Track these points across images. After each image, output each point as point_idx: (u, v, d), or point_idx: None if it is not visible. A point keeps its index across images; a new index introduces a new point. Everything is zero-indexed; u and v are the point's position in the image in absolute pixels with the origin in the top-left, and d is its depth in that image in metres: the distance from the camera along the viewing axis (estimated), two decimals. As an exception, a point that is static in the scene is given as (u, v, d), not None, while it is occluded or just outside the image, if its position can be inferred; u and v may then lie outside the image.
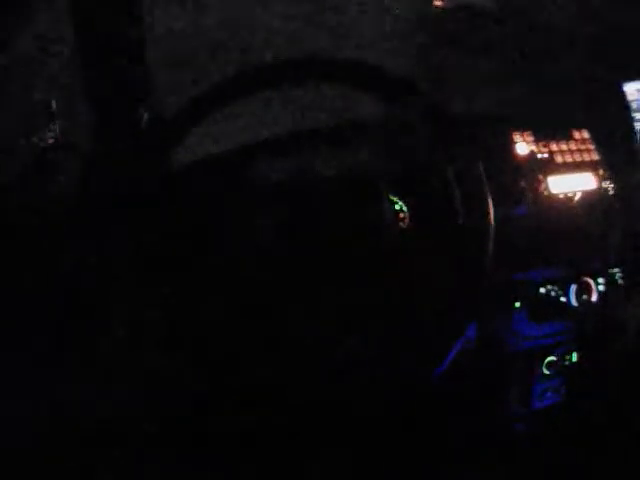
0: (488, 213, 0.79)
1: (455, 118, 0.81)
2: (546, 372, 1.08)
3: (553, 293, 1.03)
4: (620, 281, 1.08)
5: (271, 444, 0.91)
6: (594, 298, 1.04)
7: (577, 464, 1.08)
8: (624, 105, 1.18)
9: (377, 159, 0.97)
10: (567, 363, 1.10)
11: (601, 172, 1.09)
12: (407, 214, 0.92)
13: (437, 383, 0.83)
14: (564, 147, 1.08)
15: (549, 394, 1.10)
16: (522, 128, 1.07)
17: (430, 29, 1.43)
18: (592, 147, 1.10)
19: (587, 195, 1.06)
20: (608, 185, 1.09)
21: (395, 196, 0.92)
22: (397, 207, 0.92)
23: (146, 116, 0.91)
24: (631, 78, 1.17)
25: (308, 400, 0.80)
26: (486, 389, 1.08)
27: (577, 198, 1.05)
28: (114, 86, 0.88)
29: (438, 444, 1.06)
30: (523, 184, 1.03)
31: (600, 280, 1.06)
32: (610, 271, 1.08)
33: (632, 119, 1.18)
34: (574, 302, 1.03)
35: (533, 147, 1.06)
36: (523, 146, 1.06)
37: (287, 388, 0.79)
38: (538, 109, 1.18)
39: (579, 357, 1.11)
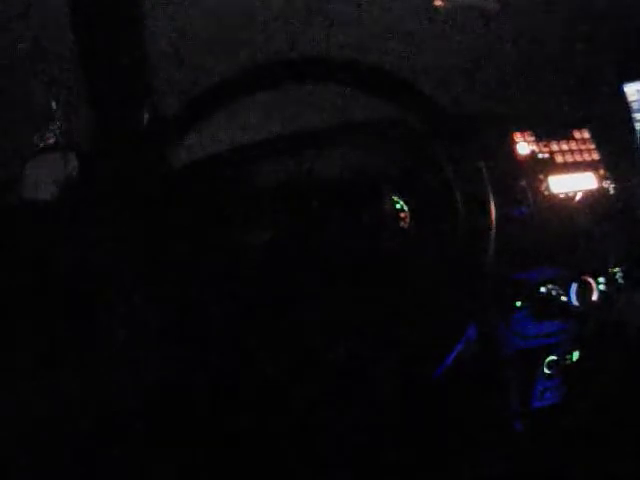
0: (489, 213, 0.79)
1: (455, 118, 0.81)
2: (547, 371, 1.08)
3: (554, 292, 1.03)
4: (621, 280, 1.08)
5: (271, 444, 0.91)
6: (595, 297, 1.04)
7: (577, 464, 1.08)
8: (624, 105, 1.18)
9: (377, 159, 0.97)
10: (568, 362, 1.10)
11: (602, 172, 1.09)
12: (408, 214, 0.92)
13: (438, 383, 0.83)
14: (565, 147, 1.08)
15: (549, 394, 1.10)
16: (523, 128, 1.07)
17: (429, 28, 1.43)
18: (593, 147, 1.10)
19: (588, 195, 1.06)
20: (609, 185, 1.09)
21: (396, 196, 0.92)
22: (398, 207, 0.92)
23: (146, 116, 0.90)
24: (631, 78, 1.17)
25: (308, 400, 0.80)
26: (486, 388, 1.08)
27: (578, 198, 1.05)
28: (114, 86, 0.88)
29: (438, 443, 1.06)
30: (524, 184, 1.03)
31: (601, 279, 1.06)
32: (611, 270, 1.08)
33: (632, 119, 1.18)
34: (575, 301, 1.03)
35: (534, 147, 1.06)
36: (524, 146, 1.06)
37: (288, 389, 0.79)
38: (539, 109, 1.18)
39: (580, 356, 1.11)
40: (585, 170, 1.08)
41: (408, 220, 0.92)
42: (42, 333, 0.82)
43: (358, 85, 0.80)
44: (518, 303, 1.03)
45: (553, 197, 1.04)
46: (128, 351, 0.81)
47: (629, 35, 1.21)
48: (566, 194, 1.05)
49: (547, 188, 1.04)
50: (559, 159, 1.07)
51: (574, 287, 1.03)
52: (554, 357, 1.08)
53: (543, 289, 1.03)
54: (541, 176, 1.04)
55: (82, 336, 0.83)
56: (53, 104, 0.97)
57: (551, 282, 1.03)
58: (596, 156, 1.10)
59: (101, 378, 0.83)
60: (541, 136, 1.07)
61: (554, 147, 1.07)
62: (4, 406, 0.82)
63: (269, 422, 0.85)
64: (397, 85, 0.79)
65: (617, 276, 1.08)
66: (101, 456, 0.85)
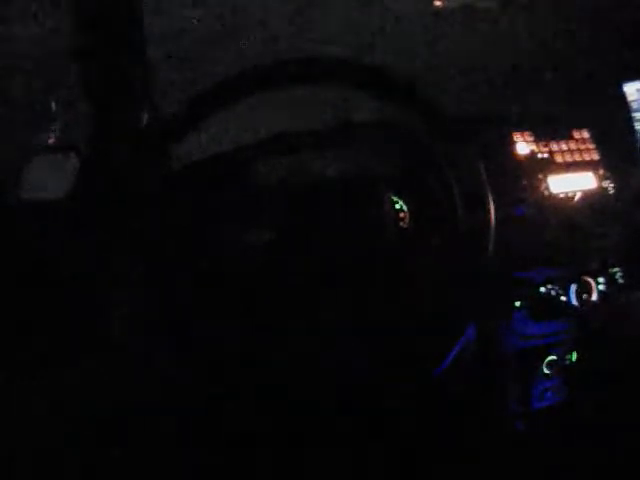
0: (489, 213, 0.79)
1: (455, 118, 0.81)
2: (546, 372, 1.08)
3: (553, 292, 1.03)
4: (620, 280, 1.09)
5: (272, 444, 0.91)
6: (594, 297, 1.04)
7: (577, 464, 1.08)
8: (624, 105, 1.18)
9: (377, 159, 0.97)
10: (567, 363, 1.10)
11: (601, 172, 1.09)
12: (407, 214, 0.92)
13: (437, 383, 0.83)
14: (564, 147, 1.08)
15: (549, 394, 1.10)
16: (522, 128, 1.07)
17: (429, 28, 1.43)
18: (592, 147, 1.10)
19: (587, 195, 1.06)
20: (608, 185, 1.09)
21: (395, 196, 0.92)
22: (397, 207, 0.92)
23: (146, 116, 0.91)
24: (631, 78, 1.17)
25: (309, 400, 0.80)
26: (486, 388, 1.08)
27: (577, 198, 1.05)
28: (114, 86, 0.88)
29: (438, 443, 1.06)
30: (523, 184, 1.03)
31: (600, 279, 1.06)
32: (610, 270, 1.08)
33: (632, 119, 1.18)
34: (574, 301, 1.03)
35: (533, 147, 1.06)
36: (523, 146, 1.06)
37: (288, 388, 0.79)
38: (539, 109, 1.18)
39: (579, 357, 1.11)
40: (585, 170, 1.08)
41: (408, 220, 0.92)
42: (42, 333, 0.82)
43: (358, 85, 0.80)
44: (518, 303, 1.03)
45: (553, 197, 1.04)
46: (128, 351, 0.82)
47: (629, 35, 1.21)
48: (566, 194, 1.05)
49: (547, 188, 1.04)
50: (559, 159, 1.07)
51: (574, 287, 1.03)
52: (554, 357, 1.08)
53: (543, 289, 1.03)
54: (540, 176, 1.04)
55: (82, 335, 0.83)
56: (53, 104, 0.98)
57: (551, 282, 1.03)
58: (596, 156, 1.10)
59: (101, 378, 0.83)
60: (541, 136, 1.07)
61: (554, 147, 1.07)
62: (4, 406, 0.82)
63: (269, 423, 0.85)
64: (397, 85, 0.79)
65: (617, 276, 1.08)
66: (101, 456, 0.85)
